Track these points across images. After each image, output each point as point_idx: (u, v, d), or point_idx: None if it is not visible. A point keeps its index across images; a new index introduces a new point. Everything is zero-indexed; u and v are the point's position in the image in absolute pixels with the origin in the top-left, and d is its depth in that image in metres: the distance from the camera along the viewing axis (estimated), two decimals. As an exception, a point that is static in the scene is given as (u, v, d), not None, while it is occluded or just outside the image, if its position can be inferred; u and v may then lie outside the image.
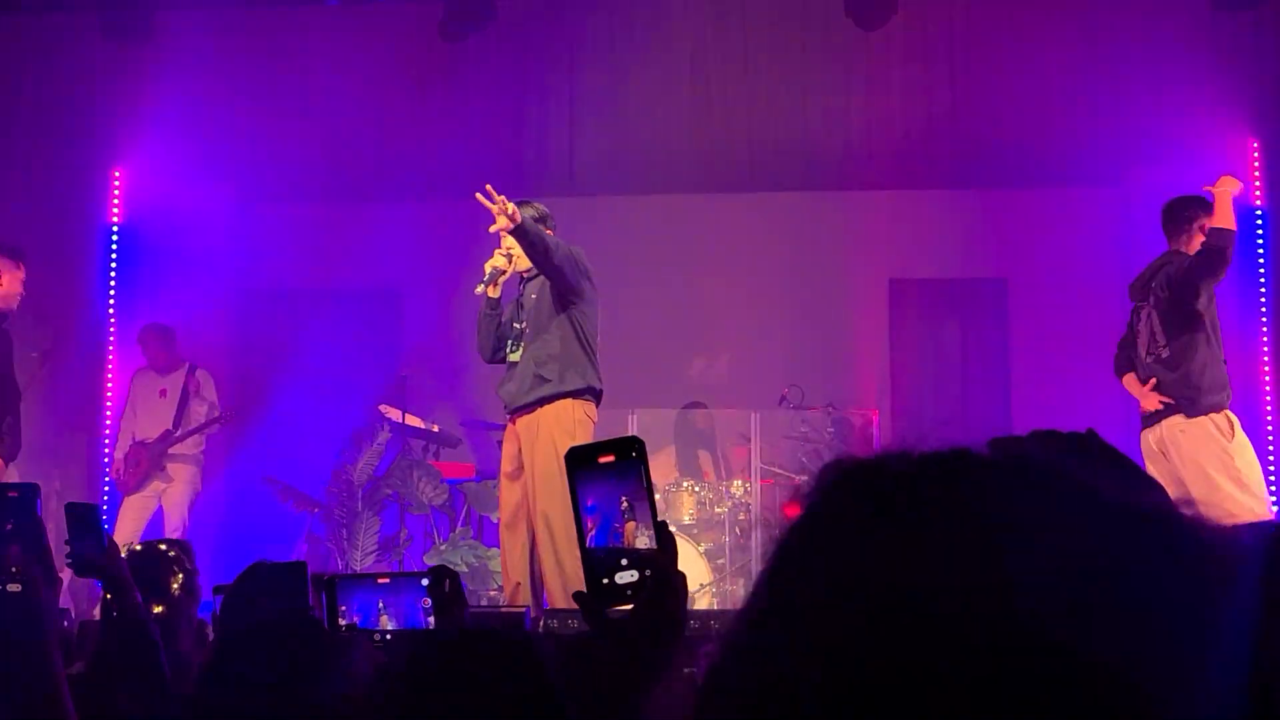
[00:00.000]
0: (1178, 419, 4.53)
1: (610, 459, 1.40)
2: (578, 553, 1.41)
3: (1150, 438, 4.68)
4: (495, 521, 5.92)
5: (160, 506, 6.16)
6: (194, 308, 6.30)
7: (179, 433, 6.10)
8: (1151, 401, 4.61)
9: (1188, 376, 4.57)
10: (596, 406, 4.50)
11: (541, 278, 4.34)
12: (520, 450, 4.39)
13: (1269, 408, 5.94)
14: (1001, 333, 6.42)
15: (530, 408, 4.31)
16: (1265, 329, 6.06)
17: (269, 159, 6.46)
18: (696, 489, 5.91)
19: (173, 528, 6.08)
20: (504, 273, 4.45)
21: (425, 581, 2.35)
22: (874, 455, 0.50)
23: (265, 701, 1.61)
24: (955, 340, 6.55)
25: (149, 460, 6.08)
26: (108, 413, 6.45)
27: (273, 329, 6.62)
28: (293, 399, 6.43)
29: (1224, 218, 4.62)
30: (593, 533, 1.37)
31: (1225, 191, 4.70)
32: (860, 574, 0.45)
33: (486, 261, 4.39)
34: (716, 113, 6.29)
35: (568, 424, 4.31)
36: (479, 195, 4.05)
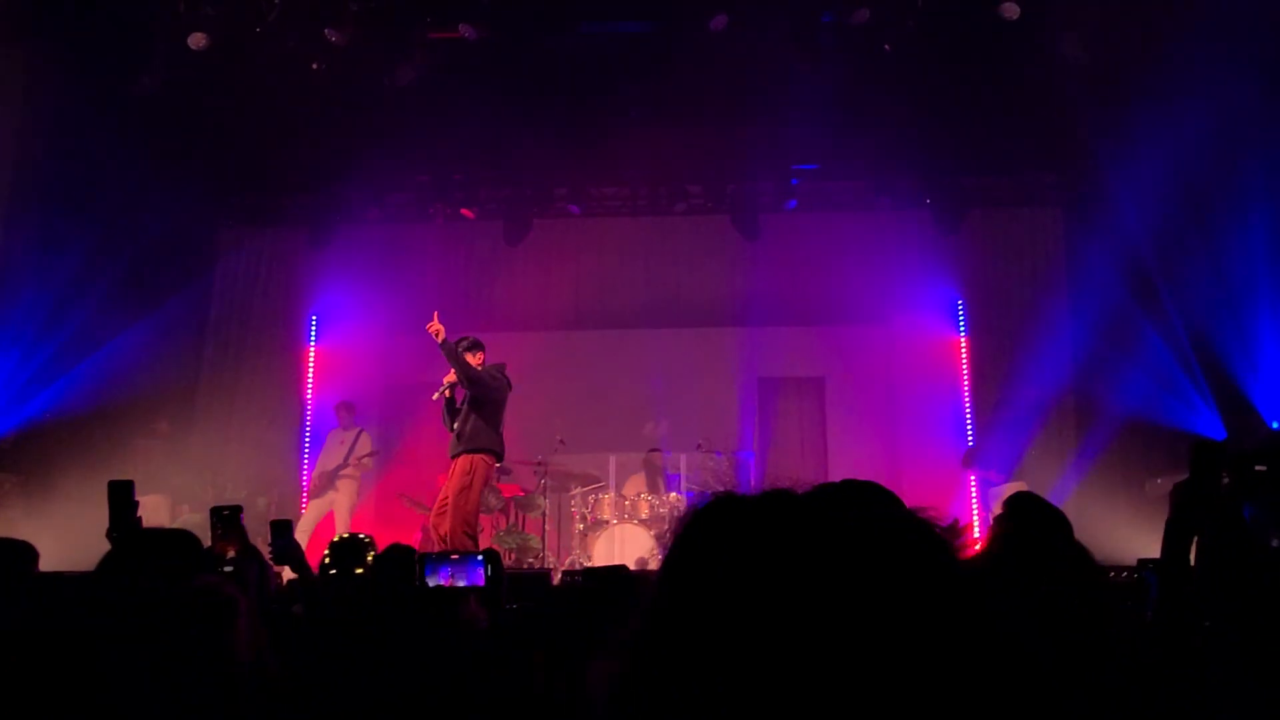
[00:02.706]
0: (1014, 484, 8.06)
1: None
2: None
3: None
4: (535, 517, 8.99)
5: (331, 511, 9.24)
6: (356, 392, 9.94)
7: (345, 464, 9.24)
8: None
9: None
10: (497, 460, 7.06)
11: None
12: (451, 476, 6.97)
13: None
14: (820, 405, 10.29)
15: (456, 458, 7.02)
16: (969, 435, 9.76)
17: (398, 308, 10.03)
18: (649, 498, 8.66)
19: (341, 520, 9.05)
20: (453, 385, 7.09)
21: (480, 558, 2.99)
22: (711, 500, 0.66)
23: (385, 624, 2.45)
24: (795, 411, 10.37)
25: (325, 481, 9.27)
26: (305, 456, 10.09)
27: (402, 406, 10.17)
28: (414, 447, 9.97)
29: None
30: None
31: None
32: (681, 568, 0.65)
33: (445, 379, 7.09)
34: (668, 284, 10.08)
35: (468, 466, 6.85)
36: (435, 316, 6.65)
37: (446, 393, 7.17)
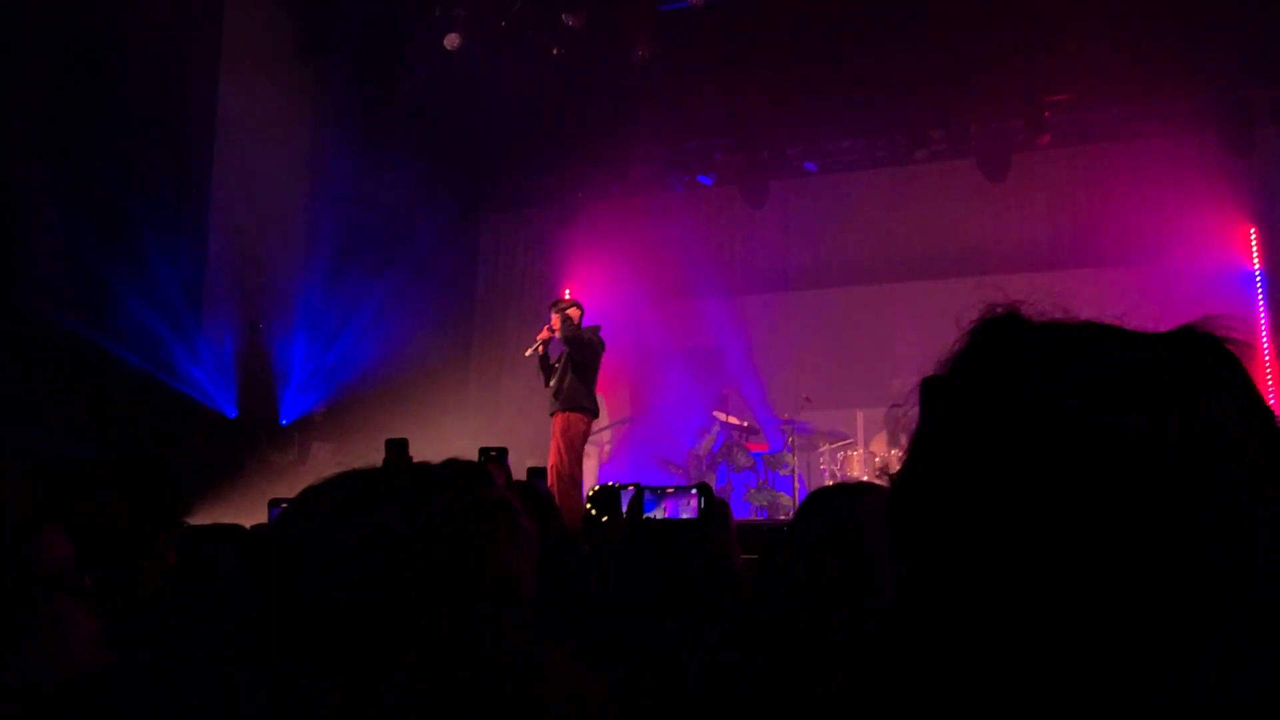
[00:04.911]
0: None
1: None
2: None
3: None
4: (784, 475, 8.92)
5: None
6: (615, 361, 9.62)
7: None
8: None
9: None
10: (591, 417, 7.02)
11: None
12: (553, 435, 7.06)
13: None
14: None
15: (553, 415, 7.08)
16: (1269, 371, 8.57)
17: (645, 277, 10.11)
18: (901, 455, 9.20)
19: (588, 485, 9.44)
20: (546, 342, 7.11)
21: (694, 491, 2.88)
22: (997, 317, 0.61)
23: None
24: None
25: None
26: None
27: (656, 373, 10.17)
28: (664, 410, 10.02)
29: None
30: None
31: None
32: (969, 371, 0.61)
33: (539, 335, 7.11)
34: (911, 235, 9.35)
35: (564, 424, 6.93)
36: (545, 329, 6.93)
37: (540, 349, 7.21)
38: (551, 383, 7.20)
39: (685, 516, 2.86)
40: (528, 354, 7.33)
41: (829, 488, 1.83)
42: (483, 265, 10.72)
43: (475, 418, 9.83)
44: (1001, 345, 0.61)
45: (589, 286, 10.45)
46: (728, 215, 9.91)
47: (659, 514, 2.89)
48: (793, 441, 8.82)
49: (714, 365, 9.99)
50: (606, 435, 9.70)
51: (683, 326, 10.31)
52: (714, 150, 9.80)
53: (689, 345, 10.30)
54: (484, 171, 10.25)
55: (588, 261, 10.34)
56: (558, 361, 7.24)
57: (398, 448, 3.18)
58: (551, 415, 7.17)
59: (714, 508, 2.73)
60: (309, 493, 0.87)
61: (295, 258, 9.37)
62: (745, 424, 9.37)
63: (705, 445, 9.51)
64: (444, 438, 9.12)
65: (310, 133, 9.19)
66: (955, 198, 9.36)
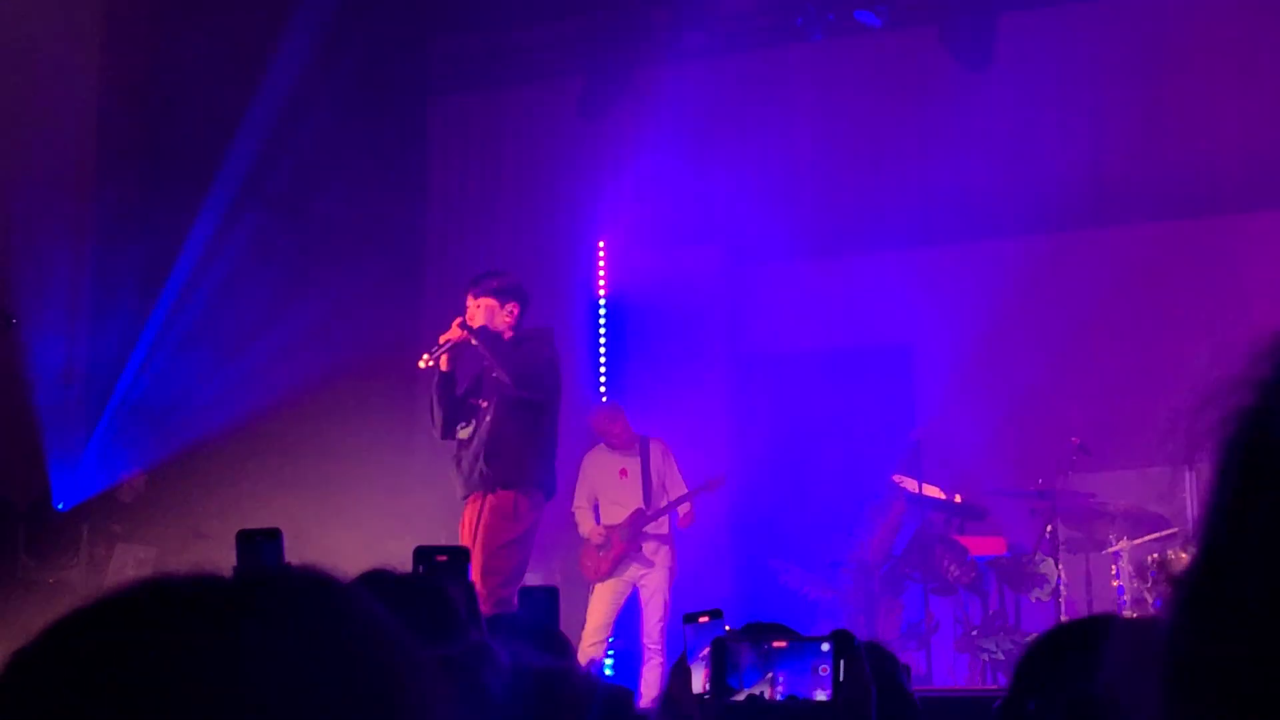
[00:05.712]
0: None
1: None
2: None
3: None
4: (1035, 601, 8.72)
5: (636, 591, 9.15)
6: (683, 374, 9.57)
7: (651, 511, 9.04)
8: None
9: None
10: (546, 499, 7.55)
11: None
12: (479, 523, 7.35)
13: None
14: None
15: (479, 494, 7.41)
16: None
17: (752, 216, 9.64)
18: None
19: (655, 613, 8.98)
20: (455, 347, 7.30)
21: (826, 647, 2.89)
22: None
23: None
24: None
25: (625, 543, 9.09)
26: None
27: (767, 392, 9.76)
28: (794, 470, 9.45)
29: None
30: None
31: None
32: None
33: (442, 336, 7.25)
34: None
35: (509, 509, 7.36)
36: (455, 325, 7.23)
37: (443, 361, 7.42)
38: (464, 432, 7.36)
39: (819, 696, 2.86)
40: (424, 363, 7.47)
41: (1069, 627, 2.38)
42: (436, 190, 10.70)
43: (425, 488, 9.76)
44: None
45: (641, 234, 10.25)
46: (916, 85, 9.74)
47: (765, 688, 2.90)
48: (1054, 532, 8.86)
49: (889, 383, 9.97)
50: (684, 512, 9.32)
51: (825, 307, 10.02)
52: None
53: (837, 344, 10.13)
54: (435, 20, 10.38)
55: (639, 184, 10.09)
56: (478, 395, 7.36)
57: (260, 547, 3.44)
58: (468, 496, 7.33)
59: (861, 679, 2.73)
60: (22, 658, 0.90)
61: (81, 187, 9.77)
62: (957, 499, 9.35)
63: (880, 542, 9.37)
64: (367, 527, 9.68)
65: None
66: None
